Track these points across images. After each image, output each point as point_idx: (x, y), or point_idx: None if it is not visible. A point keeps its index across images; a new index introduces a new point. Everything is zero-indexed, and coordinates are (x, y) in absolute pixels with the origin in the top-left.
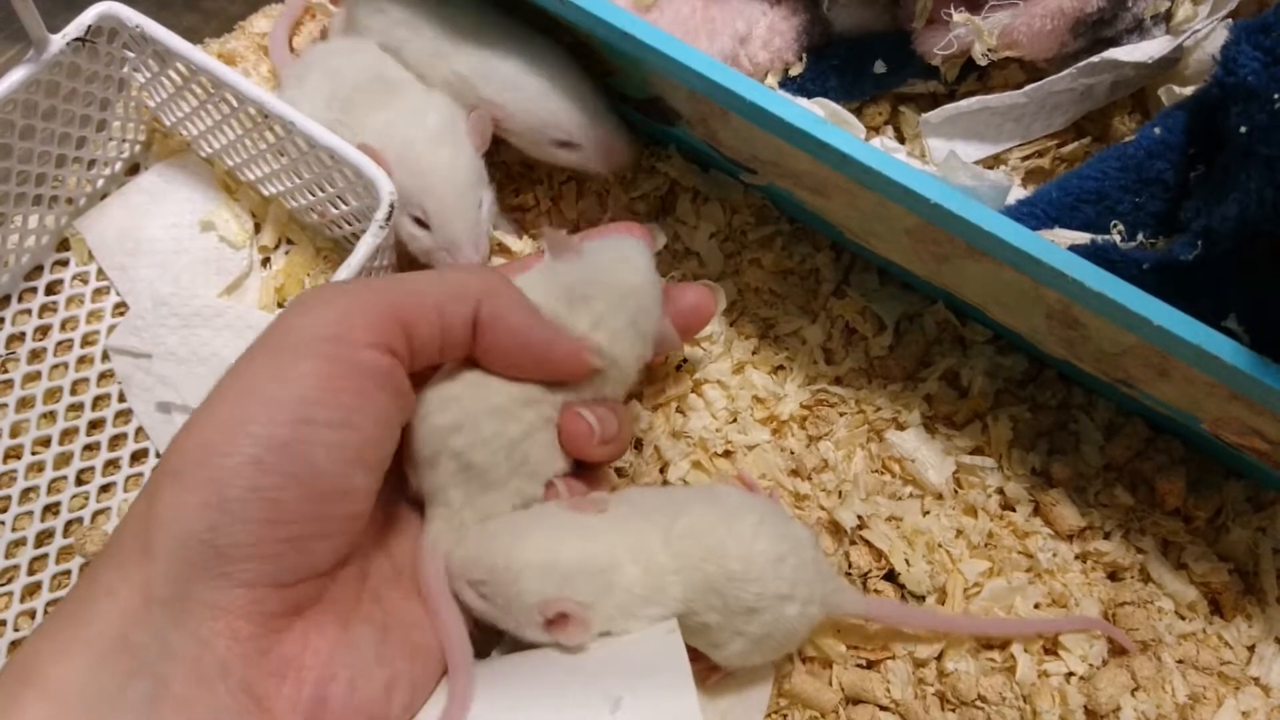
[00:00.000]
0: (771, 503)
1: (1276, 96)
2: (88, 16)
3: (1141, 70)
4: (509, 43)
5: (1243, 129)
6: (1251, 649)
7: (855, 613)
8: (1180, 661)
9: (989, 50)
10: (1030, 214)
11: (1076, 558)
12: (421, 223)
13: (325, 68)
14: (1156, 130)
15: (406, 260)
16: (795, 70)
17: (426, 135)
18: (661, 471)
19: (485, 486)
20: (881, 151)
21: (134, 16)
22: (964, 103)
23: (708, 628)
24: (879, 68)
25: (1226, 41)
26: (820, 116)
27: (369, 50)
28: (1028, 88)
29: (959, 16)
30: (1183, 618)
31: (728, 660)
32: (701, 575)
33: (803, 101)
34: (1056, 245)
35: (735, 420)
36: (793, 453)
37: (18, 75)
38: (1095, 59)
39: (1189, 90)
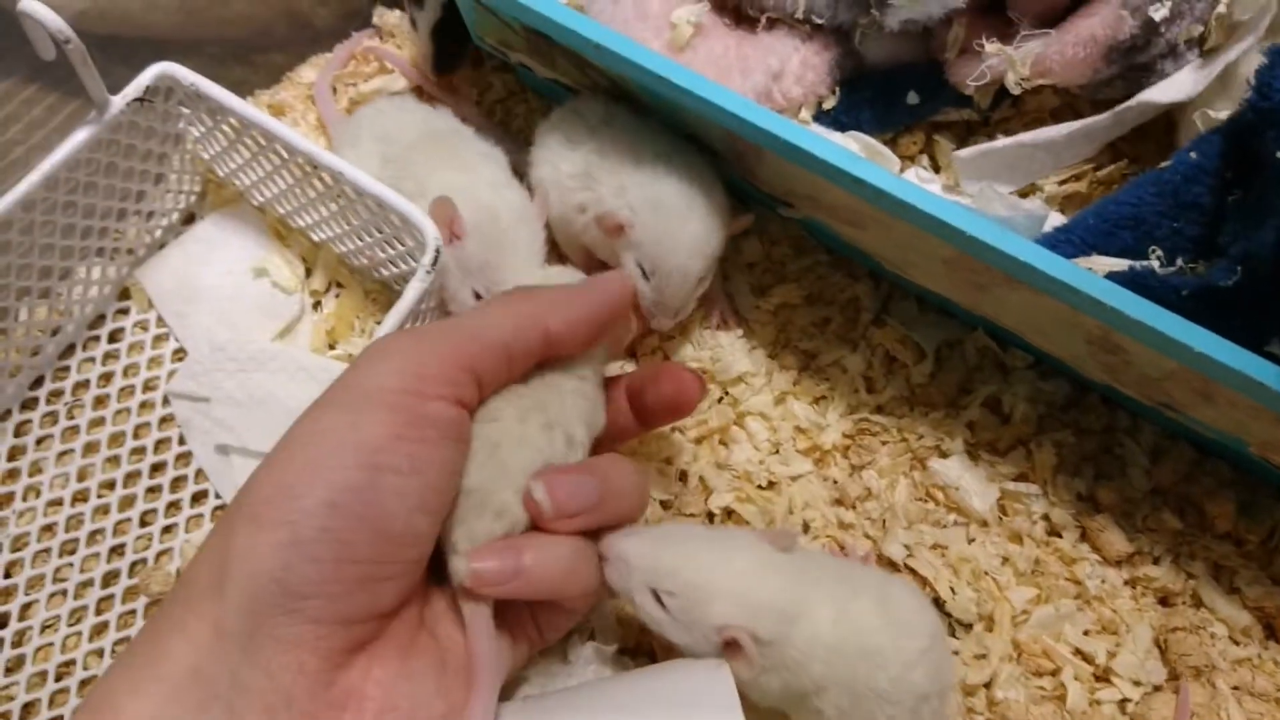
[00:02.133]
0: (942, 629)
1: None
2: (146, 77)
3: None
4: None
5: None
6: None
7: None
8: (1235, 688)
9: (1022, 80)
10: (1068, 241)
11: (1126, 583)
12: (646, 274)
13: (374, 131)
14: (1192, 155)
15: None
16: (829, 104)
17: (506, 207)
18: (706, 502)
19: (478, 510)
20: (916, 185)
21: (189, 75)
22: (998, 143)
23: (820, 715)
24: (912, 98)
25: (1261, 66)
26: (854, 151)
27: (414, 108)
28: (1064, 127)
29: (991, 47)
30: (1236, 643)
31: None
32: (849, 671)
33: (836, 136)
34: (1094, 273)
35: (778, 451)
36: (836, 482)
37: (81, 136)
38: (1132, 103)
39: (1223, 115)
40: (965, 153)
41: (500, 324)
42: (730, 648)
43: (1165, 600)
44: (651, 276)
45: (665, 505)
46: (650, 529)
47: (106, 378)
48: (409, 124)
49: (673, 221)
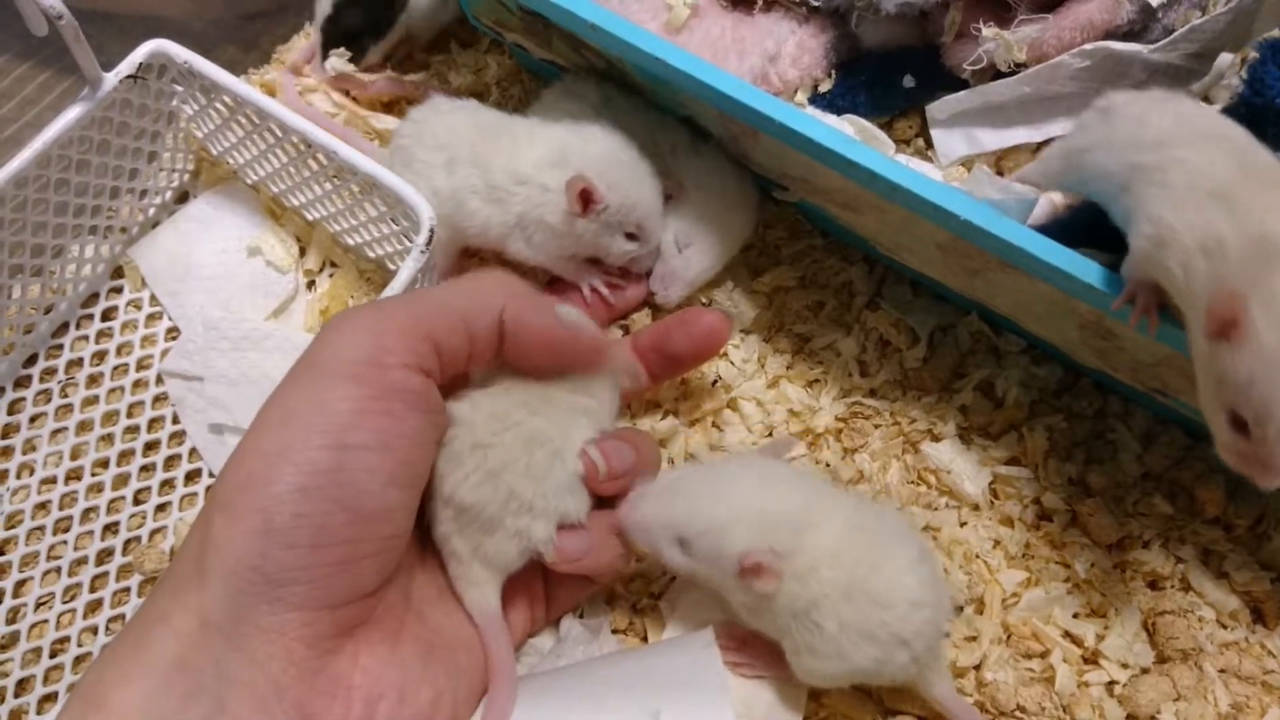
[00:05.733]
0: (928, 549)
1: None
2: (139, 54)
3: (1155, 79)
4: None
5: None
6: None
7: (936, 697)
8: (1222, 671)
9: (1018, 64)
10: (1062, 231)
11: (1115, 567)
12: (633, 237)
13: (425, 143)
14: None
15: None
16: (825, 86)
17: (626, 152)
18: None
19: (483, 529)
20: (909, 168)
21: (182, 53)
22: (962, 95)
23: (819, 630)
24: (908, 82)
25: (1253, 61)
26: (848, 134)
27: (451, 107)
28: (1026, 73)
29: (988, 31)
30: (1224, 626)
31: (809, 674)
32: (849, 577)
33: (831, 119)
34: (1086, 259)
35: (771, 434)
36: (829, 465)
37: (74, 113)
38: (1089, 46)
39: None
40: (937, 108)
41: (459, 297)
42: (749, 572)
43: (1154, 584)
44: (684, 250)
45: None
46: (655, 485)
47: (100, 356)
48: (457, 124)
49: (723, 203)
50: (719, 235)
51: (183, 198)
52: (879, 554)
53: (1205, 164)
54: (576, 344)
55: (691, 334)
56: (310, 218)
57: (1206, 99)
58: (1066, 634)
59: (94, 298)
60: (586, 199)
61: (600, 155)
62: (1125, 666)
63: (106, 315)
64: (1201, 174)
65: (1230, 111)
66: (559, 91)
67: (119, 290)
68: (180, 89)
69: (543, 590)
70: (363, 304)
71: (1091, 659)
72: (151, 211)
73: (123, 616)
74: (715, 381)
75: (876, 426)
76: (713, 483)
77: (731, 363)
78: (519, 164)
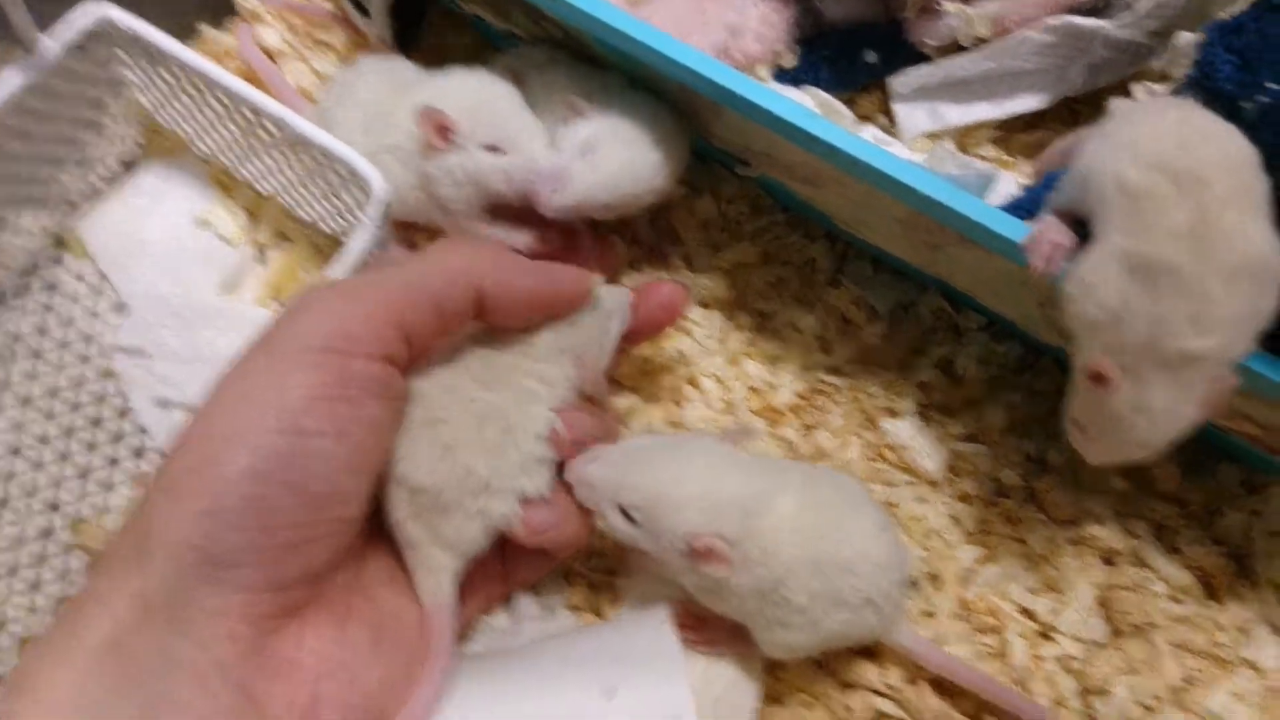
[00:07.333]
0: (888, 520)
1: (1246, 105)
2: (79, 18)
3: (1116, 55)
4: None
5: None
6: (1244, 631)
7: (904, 645)
8: (1174, 644)
9: (980, 40)
10: (1019, 208)
11: (1071, 543)
12: (494, 148)
13: (344, 101)
14: None
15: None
16: (787, 61)
17: (478, 82)
18: None
19: (440, 511)
20: (869, 143)
21: (125, 18)
22: (925, 69)
23: (788, 605)
24: (871, 57)
25: (1202, 43)
26: (809, 108)
27: (375, 67)
28: (989, 48)
29: (951, 6)
30: (1177, 601)
31: (777, 645)
32: (815, 551)
33: (793, 92)
34: None
35: (732, 411)
36: (789, 442)
37: (11, 79)
38: (1051, 21)
39: (1164, 89)
40: (899, 82)
41: (430, 277)
42: (700, 554)
43: (1109, 559)
44: (587, 155)
45: None
46: (612, 448)
47: (43, 330)
48: (375, 84)
49: (642, 131)
50: (630, 155)
51: (130, 168)
52: (843, 523)
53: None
54: (559, 284)
55: (649, 305)
56: (262, 190)
57: (1166, 76)
58: (1022, 609)
59: (36, 270)
60: (440, 128)
61: (455, 87)
62: (1079, 640)
63: (50, 288)
64: None
65: (1181, 93)
66: (506, 58)
67: (63, 263)
68: (124, 56)
69: (500, 567)
70: (329, 284)
71: (1046, 633)
72: (97, 183)
73: (68, 597)
74: (676, 358)
75: (837, 403)
76: (666, 456)
77: (693, 339)
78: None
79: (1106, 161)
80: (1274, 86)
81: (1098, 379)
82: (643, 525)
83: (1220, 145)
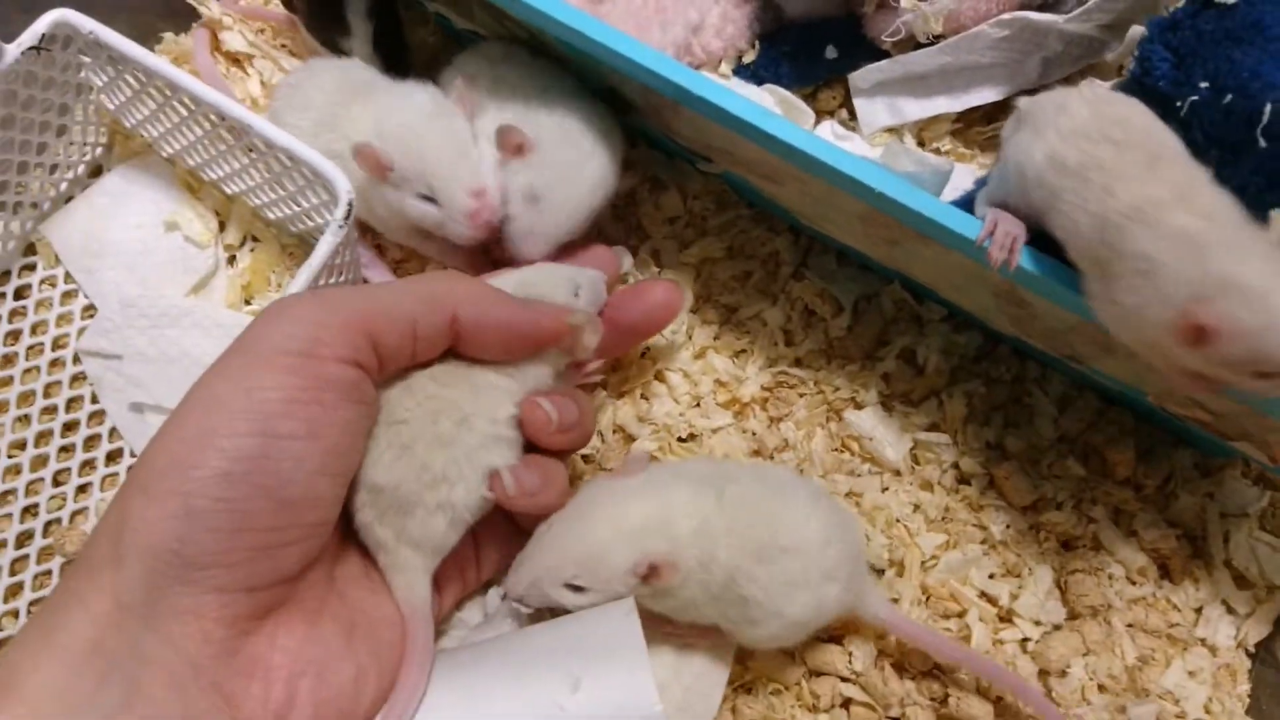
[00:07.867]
0: (820, 485)
1: (1180, 104)
2: (41, 24)
3: (1070, 49)
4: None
5: None
6: (1199, 611)
7: (876, 616)
8: (1130, 625)
9: (934, 35)
10: (970, 202)
11: (1030, 528)
12: (429, 199)
13: (293, 103)
14: None
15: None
16: (748, 57)
17: (420, 115)
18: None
19: (402, 510)
20: (825, 141)
21: (87, 23)
22: (884, 64)
23: (746, 602)
24: (831, 53)
25: (1143, 40)
26: (767, 106)
27: (326, 68)
28: (945, 44)
29: (906, 2)
30: (1133, 583)
31: (757, 641)
32: (752, 543)
33: (752, 90)
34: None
35: (699, 404)
36: (755, 434)
37: None
38: (1006, 16)
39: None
40: (859, 77)
41: (407, 298)
42: (650, 576)
43: (1067, 544)
44: (535, 203)
45: (587, 460)
46: (524, 553)
47: (14, 335)
48: (325, 83)
49: (579, 153)
50: (572, 186)
51: (96, 172)
52: (773, 510)
53: None
54: (539, 324)
55: (645, 305)
56: (229, 191)
57: (1120, 69)
58: (982, 594)
59: (5, 276)
60: (377, 166)
61: (398, 120)
62: (1038, 624)
63: (19, 294)
64: None
65: (1123, 89)
66: (464, 55)
67: (32, 268)
68: (88, 60)
69: (474, 552)
70: (306, 292)
71: (1006, 617)
72: (64, 186)
73: (44, 600)
74: (643, 354)
75: (801, 395)
76: (568, 522)
77: (660, 334)
78: (362, 129)
79: (1035, 153)
80: (1205, 85)
81: (1197, 333)
82: (593, 587)
83: (1125, 102)
